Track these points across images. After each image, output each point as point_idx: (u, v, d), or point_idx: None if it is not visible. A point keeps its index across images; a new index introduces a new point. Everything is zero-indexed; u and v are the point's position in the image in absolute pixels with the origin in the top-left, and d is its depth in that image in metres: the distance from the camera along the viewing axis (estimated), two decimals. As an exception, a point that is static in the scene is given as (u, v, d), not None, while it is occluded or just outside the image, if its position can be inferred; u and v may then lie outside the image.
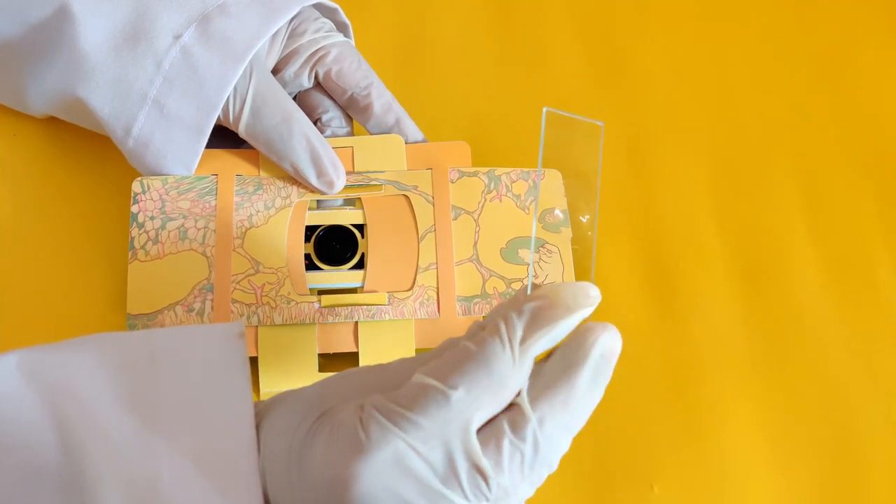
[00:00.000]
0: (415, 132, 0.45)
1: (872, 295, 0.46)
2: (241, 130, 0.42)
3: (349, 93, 0.44)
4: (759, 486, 0.42)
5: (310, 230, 0.43)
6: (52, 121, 0.47)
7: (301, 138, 0.42)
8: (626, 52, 0.53)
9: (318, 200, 0.43)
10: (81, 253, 0.44)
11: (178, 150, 0.42)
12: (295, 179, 0.43)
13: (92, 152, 0.47)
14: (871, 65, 0.53)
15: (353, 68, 0.44)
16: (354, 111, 0.45)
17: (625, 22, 0.54)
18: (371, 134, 0.45)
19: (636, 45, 0.53)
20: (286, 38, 0.44)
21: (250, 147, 0.44)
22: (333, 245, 0.43)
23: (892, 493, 0.42)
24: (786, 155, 0.50)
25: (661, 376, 0.44)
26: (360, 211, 0.43)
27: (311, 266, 0.42)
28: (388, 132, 0.44)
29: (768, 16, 0.55)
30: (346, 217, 0.43)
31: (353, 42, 0.46)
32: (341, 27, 0.46)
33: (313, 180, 0.42)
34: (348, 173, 0.43)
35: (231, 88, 0.42)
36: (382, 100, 0.44)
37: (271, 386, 0.41)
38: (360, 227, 0.43)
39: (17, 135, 0.47)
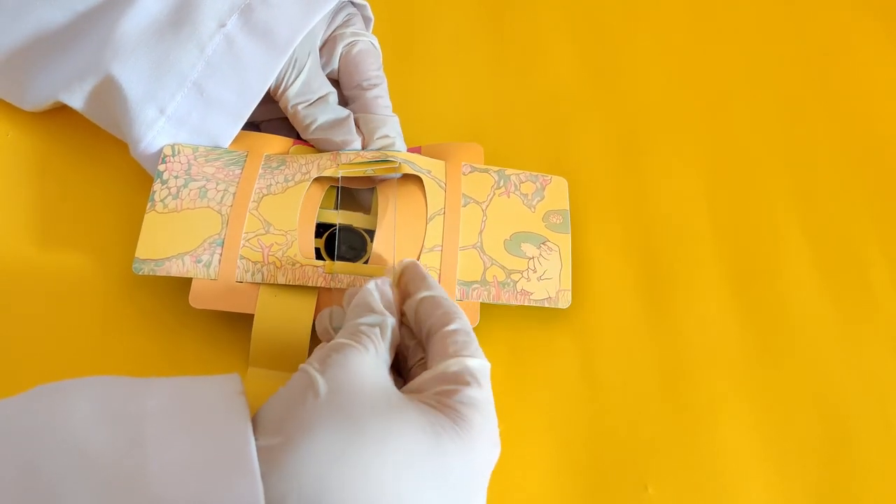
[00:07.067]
0: (398, 132, 0.45)
1: (865, 294, 0.46)
2: (288, 96, 0.44)
3: (357, 82, 0.46)
4: (754, 486, 0.41)
5: (323, 228, 0.44)
6: (45, 120, 0.48)
7: (333, 111, 0.45)
8: (619, 52, 0.54)
9: (335, 198, 0.45)
10: (79, 252, 0.45)
11: (214, 132, 0.44)
12: (317, 155, 0.45)
13: (89, 152, 0.48)
14: (864, 64, 0.55)
15: (374, 66, 0.46)
16: (353, 103, 0.46)
17: (618, 22, 0.56)
18: (361, 130, 0.45)
19: (629, 45, 0.55)
20: (332, 24, 0.47)
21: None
22: (342, 246, 0.44)
23: (886, 492, 0.41)
24: (779, 154, 0.51)
25: (655, 376, 0.43)
26: (375, 218, 0.44)
27: (318, 259, 0.43)
28: (376, 131, 0.45)
29: (760, 16, 0.57)
30: (359, 221, 0.44)
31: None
32: (366, 21, 0.49)
33: (339, 145, 0.44)
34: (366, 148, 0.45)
35: (273, 79, 0.44)
36: (383, 99, 0.46)
37: (261, 352, 0.41)
38: (372, 234, 0.44)
39: (9, 134, 0.48)
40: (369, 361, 0.34)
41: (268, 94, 0.45)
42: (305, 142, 0.46)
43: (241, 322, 0.42)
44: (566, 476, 0.41)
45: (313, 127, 0.45)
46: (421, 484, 0.31)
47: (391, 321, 0.36)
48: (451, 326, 0.36)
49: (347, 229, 0.44)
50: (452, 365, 0.34)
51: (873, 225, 0.49)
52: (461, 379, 0.34)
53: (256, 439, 0.31)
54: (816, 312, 0.46)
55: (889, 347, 0.45)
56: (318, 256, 0.43)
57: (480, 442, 0.33)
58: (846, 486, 0.41)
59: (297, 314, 0.41)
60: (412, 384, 0.35)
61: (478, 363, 0.35)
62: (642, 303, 0.45)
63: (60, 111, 0.48)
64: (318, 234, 0.44)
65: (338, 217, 0.44)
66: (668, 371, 0.44)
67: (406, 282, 0.39)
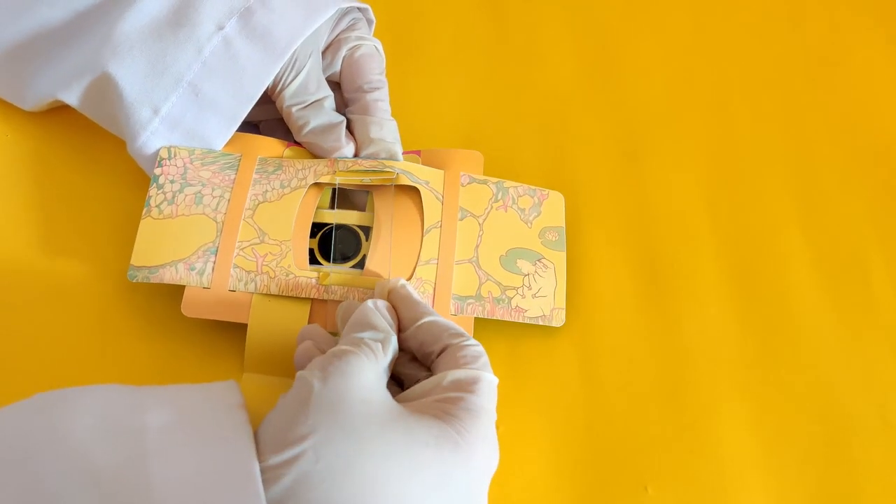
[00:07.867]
0: (395, 137, 0.45)
1: (865, 295, 0.46)
2: (284, 96, 0.44)
3: (358, 85, 0.46)
4: (753, 487, 0.41)
5: (317, 227, 0.44)
6: (43, 121, 0.48)
7: (327, 115, 0.45)
8: (619, 55, 0.54)
9: (331, 198, 0.45)
10: (77, 254, 0.45)
11: (208, 134, 0.44)
12: (312, 159, 0.45)
13: (87, 154, 0.48)
14: (864, 65, 0.54)
15: (376, 70, 0.46)
16: (353, 105, 0.46)
17: (618, 24, 0.56)
18: (358, 133, 0.45)
19: (630, 47, 0.55)
20: (337, 27, 0.46)
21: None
22: (337, 244, 0.43)
23: (886, 493, 0.41)
24: (779, 156, 0.51)
25: (655, 377, 0.43)
26: (370, 214, 0.44)
27: (313, 261, 0.43)
28: (373, 132, 0.45)
29: (760, 17, 0.56)
30: (354, 218, 0.44)
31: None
32: (368, 24, 0.49)
33: (329, 151, 0.44)
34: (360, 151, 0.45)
35: (270, 81, 0.44)
36: (383, 103, 0.46)
37: (255, 360, 0.41)
38: (367, 230, 0.44)
39: (7, 135, 0.48)
40: (371, 369, 0.34)
41: (267, 93, 0.45)
42: (300, 144, 0.46)
43: (235, 327, 0.42)
44: (566, 477, 0.41)
45: (305, 130, 0.44)
46: (424, 493, 0.31)
47: (394, 337, 0.36)
48: (465, 342, 0.36)
49: (342, 227, 0.44)
50: (463, 373, 0.35)
51: (873, 225, 0.48)
52: (469, 387, 0.34)
53: (259, 456, 0.31)
54: (816, 312, 0.46)
55: (889, 347, 0.45)
56: (312, 256, 0.43)
57: (480, 451, 0.33)
58: (846, 486, 0.41)
59: (291, 324, 0.41)
60: (417, 388, 0.35)
61: (488, 376, 0.35)
62: (642, 304, 0.45)
63: (59, 113, 0.48)
64: (312, 234, 0.43)
65: (334, 217, 0.44)
66: (668, 371, 0.43)
67: (396, 305, 0.38)
